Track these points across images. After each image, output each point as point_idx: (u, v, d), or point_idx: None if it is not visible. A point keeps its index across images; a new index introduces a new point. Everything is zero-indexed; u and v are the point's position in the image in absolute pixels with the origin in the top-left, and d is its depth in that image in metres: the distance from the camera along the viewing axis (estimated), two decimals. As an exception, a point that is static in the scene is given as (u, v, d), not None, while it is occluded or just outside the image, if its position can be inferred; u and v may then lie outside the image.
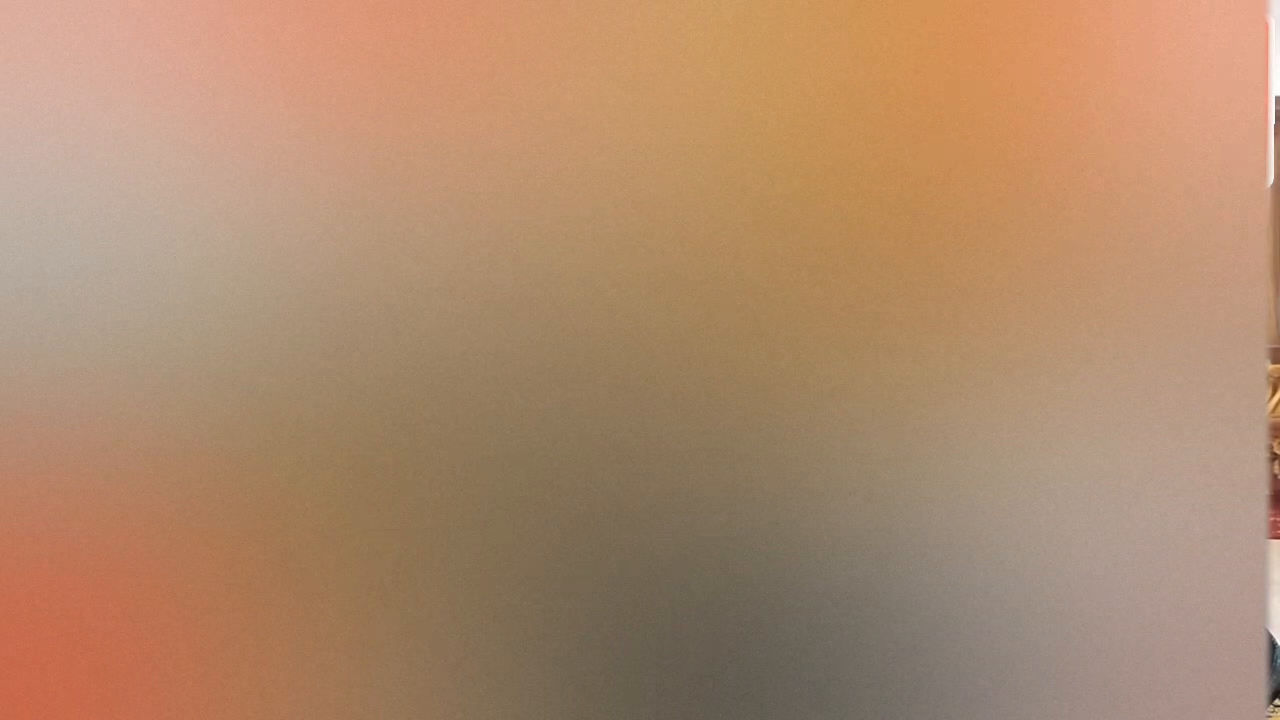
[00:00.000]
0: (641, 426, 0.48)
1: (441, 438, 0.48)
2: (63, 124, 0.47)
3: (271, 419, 0.47)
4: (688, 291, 0.48)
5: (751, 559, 0.49)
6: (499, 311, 0.48)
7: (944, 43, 0.49)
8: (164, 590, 0.47)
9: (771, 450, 0.49)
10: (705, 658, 0.49)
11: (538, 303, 0.48)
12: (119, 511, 0.47)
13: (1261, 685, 0.50)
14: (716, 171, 0.48)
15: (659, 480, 0.48)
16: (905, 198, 0.49)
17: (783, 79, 0.48)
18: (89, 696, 0.47)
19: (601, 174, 0.48)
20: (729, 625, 0.49)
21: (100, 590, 0.47)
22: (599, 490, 0.48)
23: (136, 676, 0.48)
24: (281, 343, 0.47)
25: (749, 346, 0.48)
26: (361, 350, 0.48)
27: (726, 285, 0.48)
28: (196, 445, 0.47)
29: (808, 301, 0.49)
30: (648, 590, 0.48)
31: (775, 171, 0.48)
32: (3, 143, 0.47)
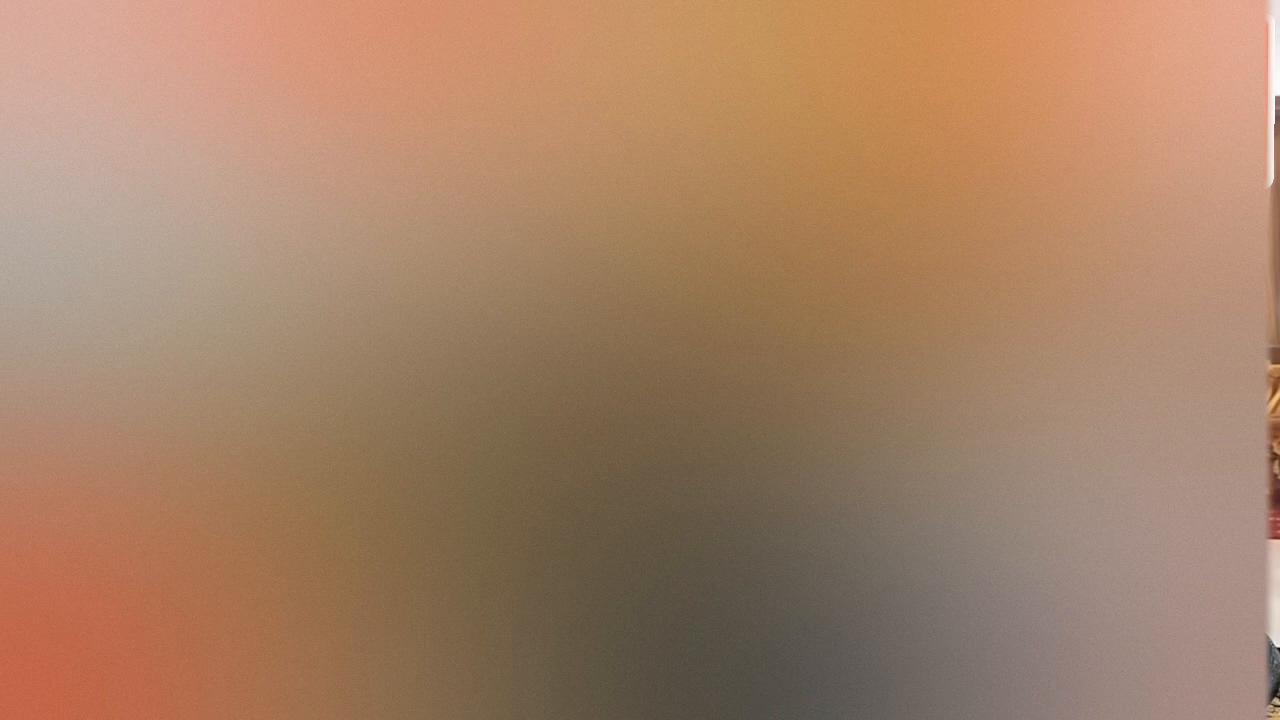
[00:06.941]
0: (641, 426, 0.48)
1: (441, 438, 0.48)
2: (66, 123, 0.47)
3: (272, 418, 0.47)
4: (689, 290, 0.48)
5: (750, 558, 0.49)
6: (501, 310, 0.48)
7: (944, 43, 0.49)
8: (164, 590, 0.47)
9: (771, 449, 0.49)
10: (705, 656, 0.49)
11: (540, 300, 0.48)
12: (122, 510, 0.47)
13: (1262, 685, 0.50)
14: (717, 170, 0.48)
15: (660, 479, 0.48)
16: (905, 197, 0.49)
17: (784, 79, 0.48)
18: (89, 696, 0.48)
19: (602, 173, 0.48)
20: (728, 624, 0.49)
21: (100, 590, 0.47)
22: (599, 491, 0.48)
23: (137, 676, 0.48)
24: (282, 341, 0.47)
25: (750, 346, 0.49)
26: (364, 348, 0.48)
27: (727, 284, 0.48)
28: (197, 444, 0.47)
29: (807, 300, 0.49)
30: (647, 589, 0.48)
31: (776, 170, 0.48)
32: (6, 142, 0.47)
